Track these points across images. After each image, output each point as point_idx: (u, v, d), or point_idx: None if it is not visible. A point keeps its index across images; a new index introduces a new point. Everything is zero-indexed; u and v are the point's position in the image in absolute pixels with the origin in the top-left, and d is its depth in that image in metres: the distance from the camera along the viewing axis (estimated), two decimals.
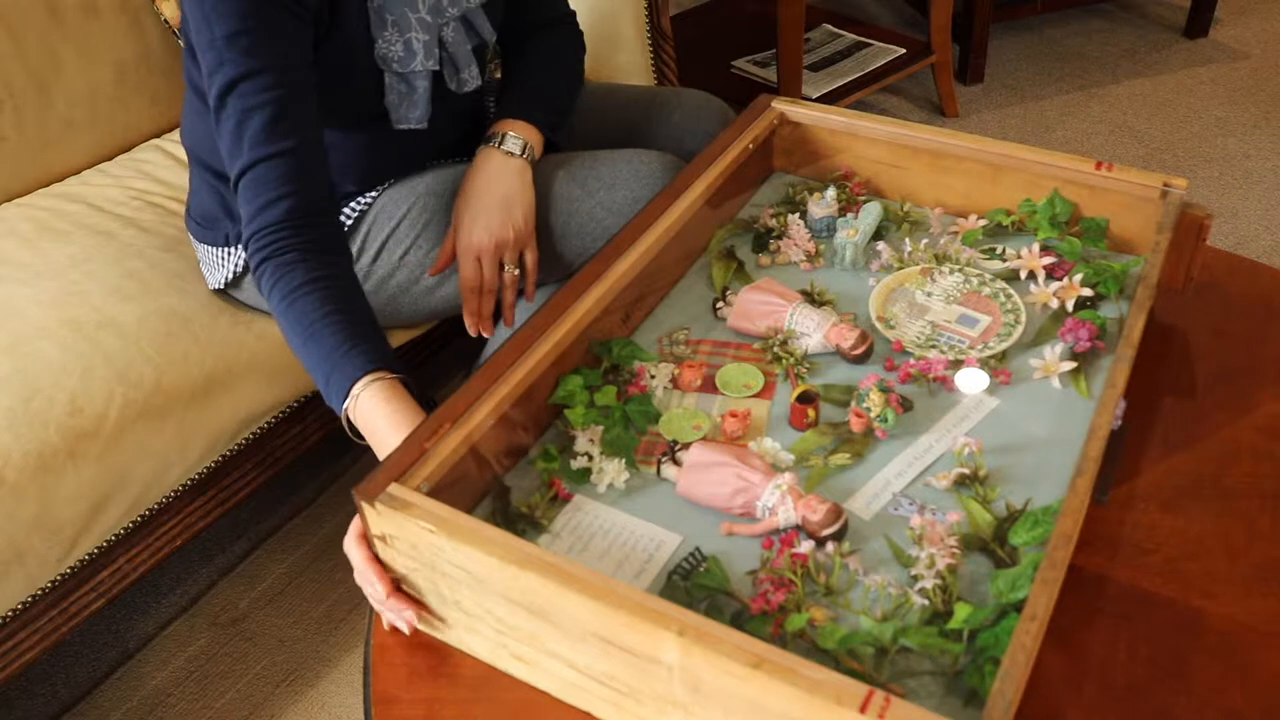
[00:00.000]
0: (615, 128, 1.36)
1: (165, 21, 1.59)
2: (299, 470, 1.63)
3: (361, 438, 0.93)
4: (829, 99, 2.20)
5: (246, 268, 1.25)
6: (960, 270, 1.04)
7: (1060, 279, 1.01)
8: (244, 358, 1.26)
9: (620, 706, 0.71)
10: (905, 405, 0.90)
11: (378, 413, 0.90)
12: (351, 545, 0.81)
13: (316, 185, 1.03)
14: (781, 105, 1.17)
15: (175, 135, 1.60)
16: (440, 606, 0.77)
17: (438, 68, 1.14)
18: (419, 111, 1.15)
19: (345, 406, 0.92)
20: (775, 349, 0.97)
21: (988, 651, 0.69)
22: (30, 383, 1.15)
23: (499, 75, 1.33)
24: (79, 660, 1.45)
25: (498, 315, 1.19)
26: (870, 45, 2.38)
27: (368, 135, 1.18)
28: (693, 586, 0.76)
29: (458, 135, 1.28)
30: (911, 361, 0.94)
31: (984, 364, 0.94)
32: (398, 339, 1.39)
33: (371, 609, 0.83)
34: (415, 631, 0.81)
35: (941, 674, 0.70)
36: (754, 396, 0.93)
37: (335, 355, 0.94)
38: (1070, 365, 0.92)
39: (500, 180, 1.15)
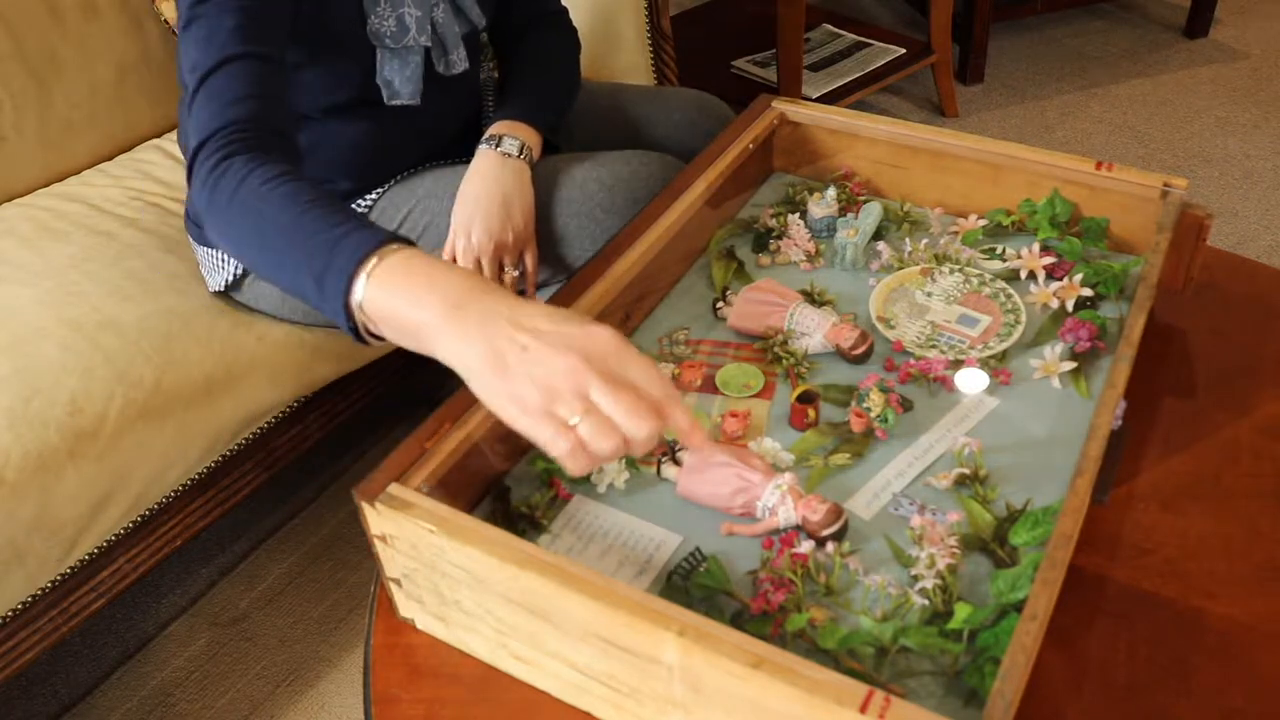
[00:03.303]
0: (615, 128, 1.36)
1: (165, 21, 1.59)
2: (299, 470, 1.63)
3: (372, 335, 0.75)
4: (829, 99, 2.20)
5: (248, 270, 1.25)
6: (960, 270, 1.04)
7: (1060, 279, 1.01)
8: (244, 358, 1.26)
9: (620, 706, 0.71)
10: (905, 405, 0.90)
11: (418, 273, 0.71)
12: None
13: (282, 106, 0.94)
14: (781, 105, 1.17)
15: (175, 136, 1.61)
16: (440, 606, 0.77)
17: (429, 44, 1.14)
18: (411, 87, 1.15)
19: (361, 283, 0.72)
20: (775, 349, 0.97)
21: (988, 651, 0.69)
22: (30, 383, 1.15)
23: (497, 75, 1.34)
24: (79, 660, 1.45)
25: None
26: (870, 45, 2.38)
27: (363, 123, 1.18)
28: (693, 586, 0.76)
29: (452, 130, 1.28)
30: (911, 361, 0.94)
31: (984, 364, 0.94)
32: None
33: (372, 606, 0.83)
34: (415, 631, 0.81)
35: (941, 674, 0.70)
36: (754, 396, 0.93)
37: (335, 234, 0.75)
38: (1070, 365, 0.92)
39: (499, 182, 1.15)
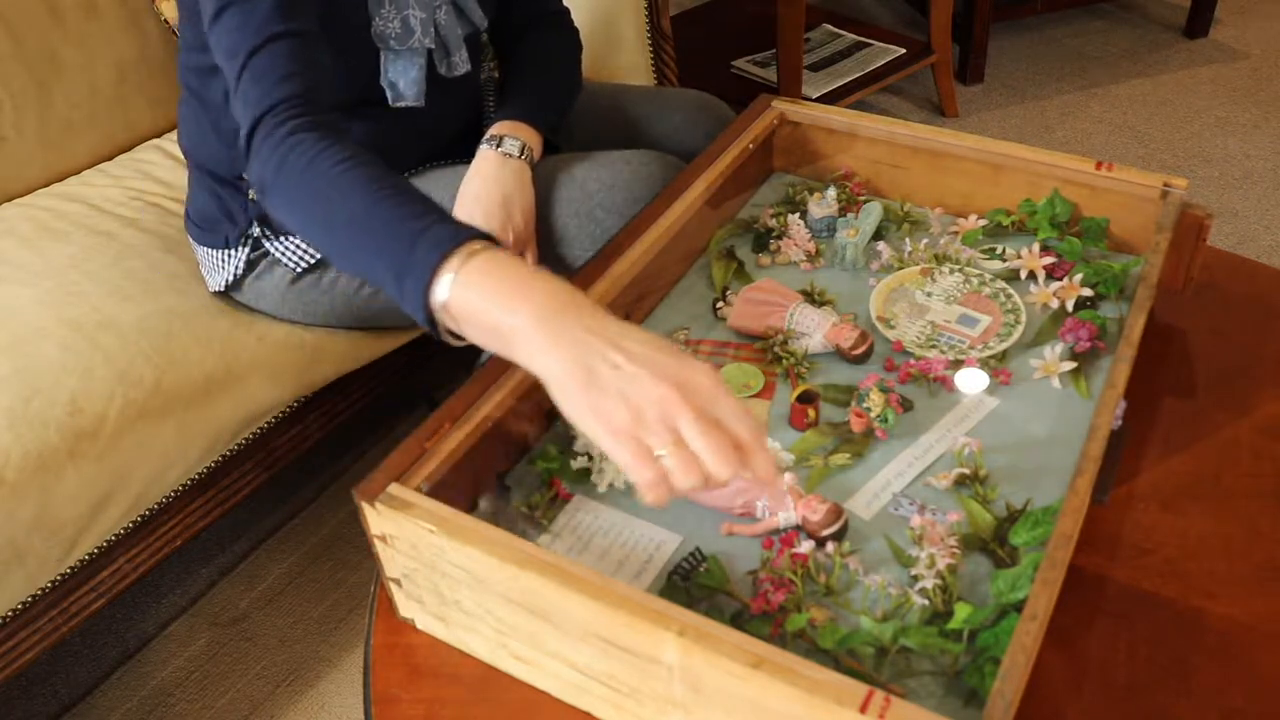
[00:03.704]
0: (615, 128, 1.36)
1: (165, 21, 1.59)
2: (299, 470, 1.63)
3: (451, 334, 0.74)
4: (829, 99, 2.20)
5: (248, 269, 1.25)
6: (960, 270, 1.04)
7: (1060, 279, 1.01)
8: (244, 358, 1.26)
9: (620, 706, 0.71)
10: (905, 405, 0.90)
11: (509, 276, 0.69)
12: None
13: (328, 75, 0.94)
14: (781, 105, 1.17)
15: (175, 136, 1.60)
16: (440, 606, 0.77)
17: (433, 46, 1.14)
18: (415, 89, 1.15)
19: (445, 282, 0.71)
20: (775, 349, 0.97)
21: (988, 651, 0.69)
22: (30, 383, 1.15)
23: (497, 75, 1.34)
24: (79, 660, 1.45)
25: None
26: (870, 45, 2.38)
27: (364, 124, 1.18)
28: (693, 586, 0.76)
29: (453, 130, 1.28)
30: (911, 361, 0.94)
31: (984, 364, 0.94)
32: (398, 340, 1.39)
33: (373, 606, 0.83)
34: (415, 631, 0.81)
35: (941, 674, 0.70)
36: (754, 396, 0.93)
37: (412, 228, 0.74)
38: (1070, 365, 0.92)
39: (499, 182, 1.15)
